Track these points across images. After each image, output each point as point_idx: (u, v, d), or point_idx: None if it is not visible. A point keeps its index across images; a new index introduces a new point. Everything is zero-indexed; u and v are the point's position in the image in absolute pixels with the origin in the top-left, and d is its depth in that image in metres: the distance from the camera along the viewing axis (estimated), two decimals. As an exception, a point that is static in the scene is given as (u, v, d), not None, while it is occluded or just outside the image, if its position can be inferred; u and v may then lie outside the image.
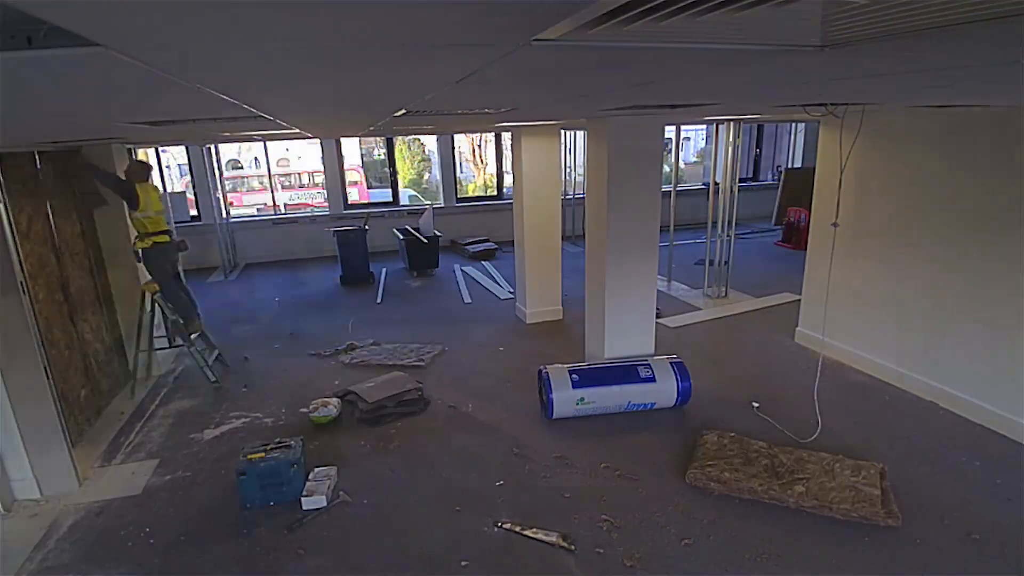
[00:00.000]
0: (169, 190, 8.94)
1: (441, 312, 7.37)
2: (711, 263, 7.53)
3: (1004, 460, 3.81)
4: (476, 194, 13.19)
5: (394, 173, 11.55)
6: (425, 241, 9.01)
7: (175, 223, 7.54)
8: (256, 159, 13.68)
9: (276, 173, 12.41)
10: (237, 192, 13.62)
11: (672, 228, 8.13)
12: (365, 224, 8.80)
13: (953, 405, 4.44)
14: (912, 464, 3.79)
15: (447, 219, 11.41)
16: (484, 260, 9.96)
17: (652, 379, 4.35)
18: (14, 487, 3.69)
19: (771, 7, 0.72)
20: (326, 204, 11.13)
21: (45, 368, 3.66)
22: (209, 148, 9.26)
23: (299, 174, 14.55)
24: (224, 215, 9.93)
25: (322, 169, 10.97)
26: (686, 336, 6.28)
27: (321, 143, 10.63)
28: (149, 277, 5.03)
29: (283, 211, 11.84)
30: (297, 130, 4.14)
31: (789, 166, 13.04)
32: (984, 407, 4.23)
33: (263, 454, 3.59)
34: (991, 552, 3.03)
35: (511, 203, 7.63)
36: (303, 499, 3.53)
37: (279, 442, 3.74)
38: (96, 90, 1.42)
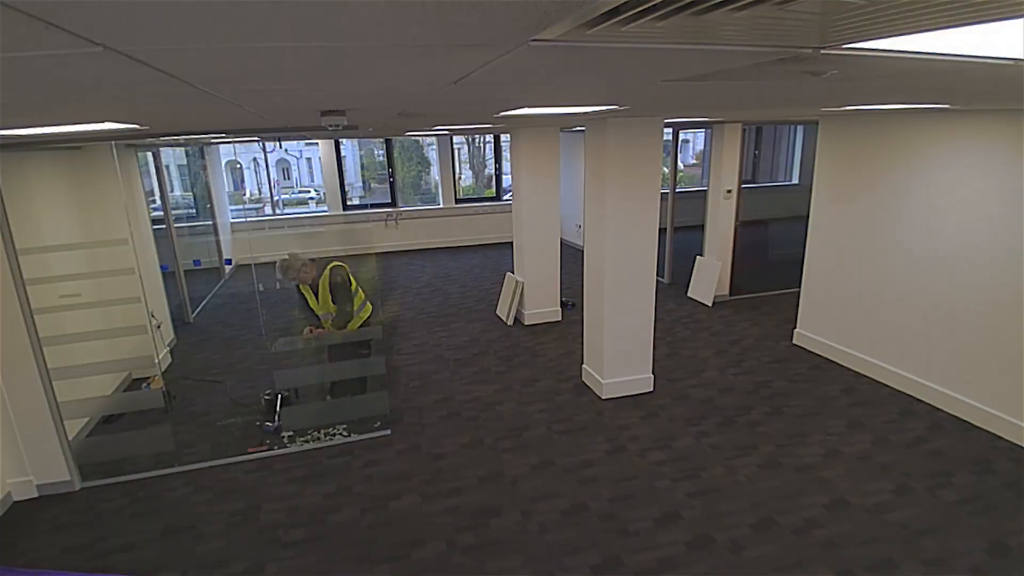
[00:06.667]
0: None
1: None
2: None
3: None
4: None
5: (392, 174, 11.56)
6: None
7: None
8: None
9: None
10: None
11: (670, 229, 8.14)
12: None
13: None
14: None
15: (447, 221, 11.46)
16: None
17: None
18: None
19: (771, 7, 0.71)
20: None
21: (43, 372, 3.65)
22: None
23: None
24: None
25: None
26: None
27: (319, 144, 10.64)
28: None
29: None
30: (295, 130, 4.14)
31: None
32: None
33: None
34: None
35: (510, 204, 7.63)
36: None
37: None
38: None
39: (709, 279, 7.44)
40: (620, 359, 4.90)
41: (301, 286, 4.49)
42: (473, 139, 12.67)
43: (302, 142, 13.05)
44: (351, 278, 4.55)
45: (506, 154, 11.94)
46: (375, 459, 4.13)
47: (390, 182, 11.54)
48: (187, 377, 5.64)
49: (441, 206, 11.63)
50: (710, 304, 7.33)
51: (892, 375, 4.96)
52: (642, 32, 0.86)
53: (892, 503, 3.48)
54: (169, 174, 8.65)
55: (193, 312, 7.54)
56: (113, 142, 4.81)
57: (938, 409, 4.54)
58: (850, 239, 5.30)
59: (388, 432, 4.47)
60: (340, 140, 10.85)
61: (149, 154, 6.87)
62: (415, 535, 3.35)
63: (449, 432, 4.46)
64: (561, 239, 7.07)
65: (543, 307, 6.88)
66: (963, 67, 1.44)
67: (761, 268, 8.24)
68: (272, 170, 14.88)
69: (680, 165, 9.26)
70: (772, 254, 8.86)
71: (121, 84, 1.30)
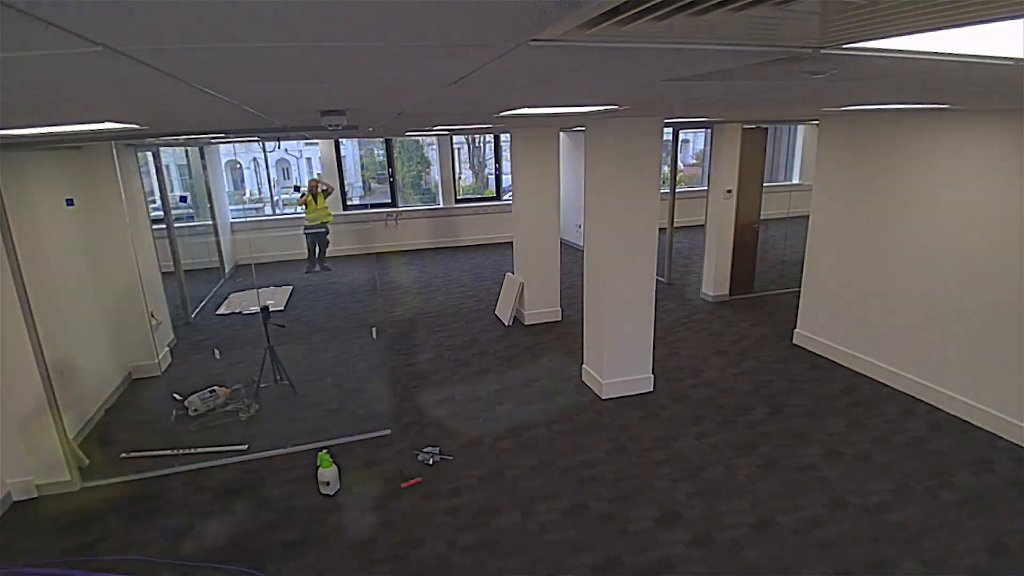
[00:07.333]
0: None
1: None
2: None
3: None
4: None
5: (392, 174, 11.55)
6: None
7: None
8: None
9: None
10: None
11: (670, 229, 8.14)
12: None
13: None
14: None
15: (447, 221, 11.46)
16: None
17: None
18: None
19: (771, 7, 0.71)
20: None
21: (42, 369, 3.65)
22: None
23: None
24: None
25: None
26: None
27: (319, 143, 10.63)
28: None
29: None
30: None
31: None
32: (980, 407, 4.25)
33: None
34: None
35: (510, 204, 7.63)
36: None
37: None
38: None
39: (707, 279, 7.44)
40: (620, 359, 4.90)
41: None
42: (473, 139, 12.66)
43: (302, 142, 13.04)
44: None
45: (506, 154, 11.93)
46: (375, 459, 4.13)
47: (390, 182, 11.53)
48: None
49: (441, 206, 11.63)
50: (710, 304, 7.33)
51: (892, 375, 4.96)
52: (642, 32, 0.86)
53: (892, 503, 3.48)
54: (169, 174, 8.66)
55: (193, 312, 7.54)
56: (113, 142, 4.82)
57: (938, 409, 4.54)
58: (850, 239, 5.30)
59: (388, 432, 4.47)
60: (340, 140, 10.85)
61: (149, 154, 6.87)
62: (415, 535, 3.35)
63: (449, 432, 4.46)
64: (561, 239, 7.07)
65: (543, 307, 6.87)
66: (963, 67, 1.44)
67: (761, 268, 8.23)
68: (272, 170, 14.86)
69: (680, 165, 9.26)
70: (772, 254, 8.85)
71: (121, 84, 1.30)
